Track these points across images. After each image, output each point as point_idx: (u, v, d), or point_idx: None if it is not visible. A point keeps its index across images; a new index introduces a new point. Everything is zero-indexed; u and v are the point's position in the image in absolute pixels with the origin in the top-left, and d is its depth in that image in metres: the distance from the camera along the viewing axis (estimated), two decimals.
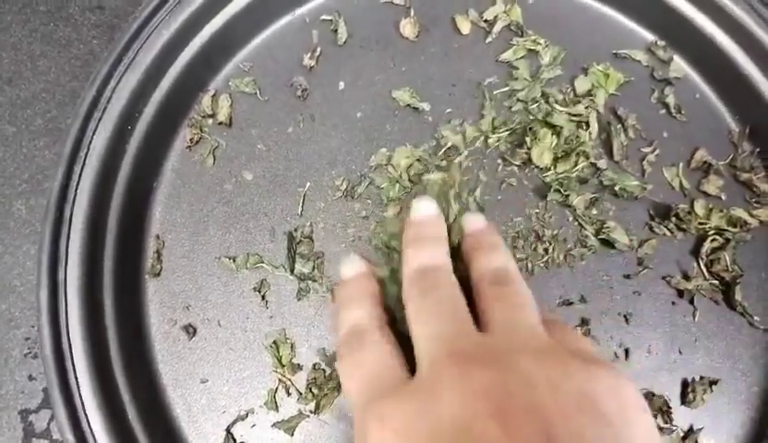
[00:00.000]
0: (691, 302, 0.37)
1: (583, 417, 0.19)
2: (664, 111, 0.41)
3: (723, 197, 0.39)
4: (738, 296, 0.37)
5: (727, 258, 0.37)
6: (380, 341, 0.26)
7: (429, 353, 0.23)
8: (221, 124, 0.41)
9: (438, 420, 0.20)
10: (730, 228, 0.38)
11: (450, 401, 0.20)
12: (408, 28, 0.42)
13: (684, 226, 0.38)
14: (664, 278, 0.38)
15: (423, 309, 0.25)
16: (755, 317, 0.37)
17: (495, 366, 0.21)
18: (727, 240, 0.38)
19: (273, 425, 0.35)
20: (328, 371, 0.36)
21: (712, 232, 0.38)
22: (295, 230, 0.38)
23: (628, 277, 0.38)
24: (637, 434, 0.20)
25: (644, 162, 0.40)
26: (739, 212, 0.38)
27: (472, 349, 0.22)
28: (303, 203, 0.39)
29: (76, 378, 0.33)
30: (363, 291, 0.28)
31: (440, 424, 0.20)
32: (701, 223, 0.38)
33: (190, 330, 0.37)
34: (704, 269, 0.38)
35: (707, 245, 0.38)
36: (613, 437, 0.19)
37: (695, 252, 0.38)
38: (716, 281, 0.38)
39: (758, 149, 0.40)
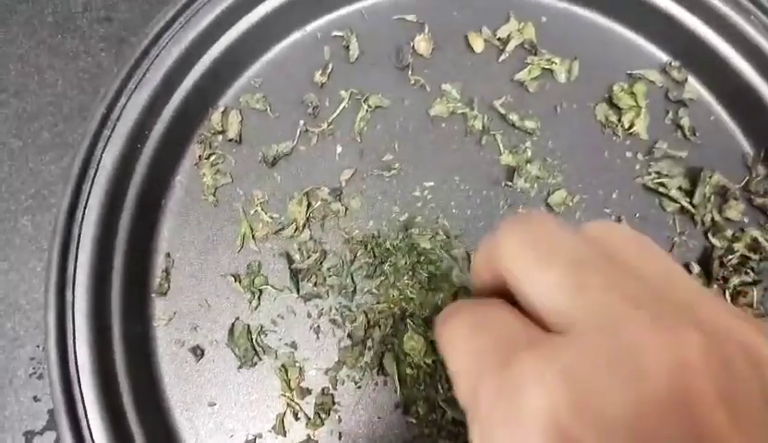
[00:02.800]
0: None
1: None
2: (678, 133, 0.41)
3: (746, 221, 0.39)
4: None
5: (755, 296, 0.37)
6: (500, 303, 0.19)
7: (587, 302, 0.16)
8: (231, 140, 0.40)
9: (633, 365, 0.14)
10: (752, 254, 0.38)
11: (654, 349, 0.14)
12: (423, 45, 0.42)
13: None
14: None
15: (551, 259, 0.17)
16: None
17: (699, 327, 0.15)
18: (759, 281, 0.37)
19: None
20: (336, 395, 0.36)
21: (734, 259, 0.37)
22: (298, 248, 0.38)
23: None
24: None
25: None
26: (755, 233, 0.38)
27: (652, 296, 0.16)
28: (307, 221, 0.38)
29: (83, 401, 0.33)
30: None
31: (639, 370, 0.14)
32: (729, 247, 0.38)
33: (198, 352, 0.36)
34: (729, 298, 0.37)
35: (737, 279, 0.37)
36: None
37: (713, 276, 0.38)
38: None
39: None
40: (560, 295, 0.16)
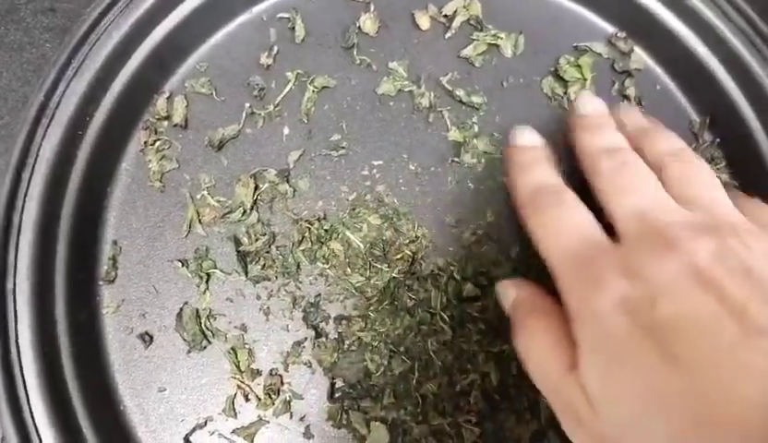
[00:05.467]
0: None
1: None
2: (625, 103, 0.41)
3: None
4: None
5: None
6: (578, 201, 0.26)
7: (638, 222, 0.23)
8: (176, 126, 0.40)
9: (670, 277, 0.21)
10: None
11: (680, 261, 0.21)
12: (368, 23, 0.42)
13: None
14: None
15: (617, 182, 0.25)
16: None
17: (716, 236, 0.21)
18: None
19: (233, 431, 0.35)
20: (285, 376, 0.35)
21: None
22: (246, 232, 0.38)
23: None
24: None
25: None
26: None
27: (684, 223, 0.23)
28: (254, 203, 0.38)
29: (26, 391, 0.32)
30: (543, 155, 0.28)
31: (676, 280, 0.21)
32: None
33: (146, 338, 0.36)
34: None
35: None
36: None
37: None
38: None
39: (718, 140, 0.40)
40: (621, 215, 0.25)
